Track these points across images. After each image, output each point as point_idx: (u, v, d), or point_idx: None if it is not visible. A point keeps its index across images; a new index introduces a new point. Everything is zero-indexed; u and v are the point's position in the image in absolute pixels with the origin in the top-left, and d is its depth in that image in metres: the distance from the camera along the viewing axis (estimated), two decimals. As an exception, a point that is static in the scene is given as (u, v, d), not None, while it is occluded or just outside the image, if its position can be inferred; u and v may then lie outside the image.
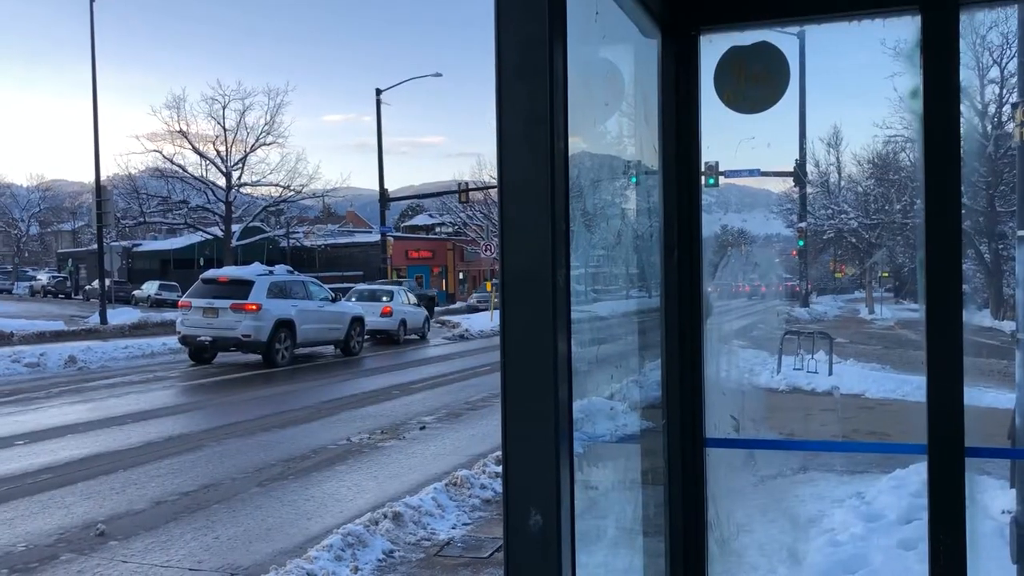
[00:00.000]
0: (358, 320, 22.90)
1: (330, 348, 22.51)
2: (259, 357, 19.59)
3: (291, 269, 22.61)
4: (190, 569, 6.03)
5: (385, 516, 6.70)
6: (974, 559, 2.17)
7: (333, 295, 22.58)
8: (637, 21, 2.16)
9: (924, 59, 2.15)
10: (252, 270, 20.71)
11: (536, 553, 1.43)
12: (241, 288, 19.33)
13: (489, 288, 46.62)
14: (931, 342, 2.16)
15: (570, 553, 1.46)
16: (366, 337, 24.08)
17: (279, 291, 20.02)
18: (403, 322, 27.11)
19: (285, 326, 19.69)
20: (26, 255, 78.11)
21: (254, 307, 18.99)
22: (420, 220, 75.62)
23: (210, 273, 20.95)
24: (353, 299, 26.05)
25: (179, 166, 49.19)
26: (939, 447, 2.14)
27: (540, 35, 1.40)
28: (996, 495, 5.20)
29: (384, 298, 27.39)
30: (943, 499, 2.14)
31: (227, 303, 19.00)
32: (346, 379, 17.89)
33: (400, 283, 36.64)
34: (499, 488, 7.76)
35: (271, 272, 20.67)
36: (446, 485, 7.75)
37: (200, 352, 19.71)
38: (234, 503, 7.75)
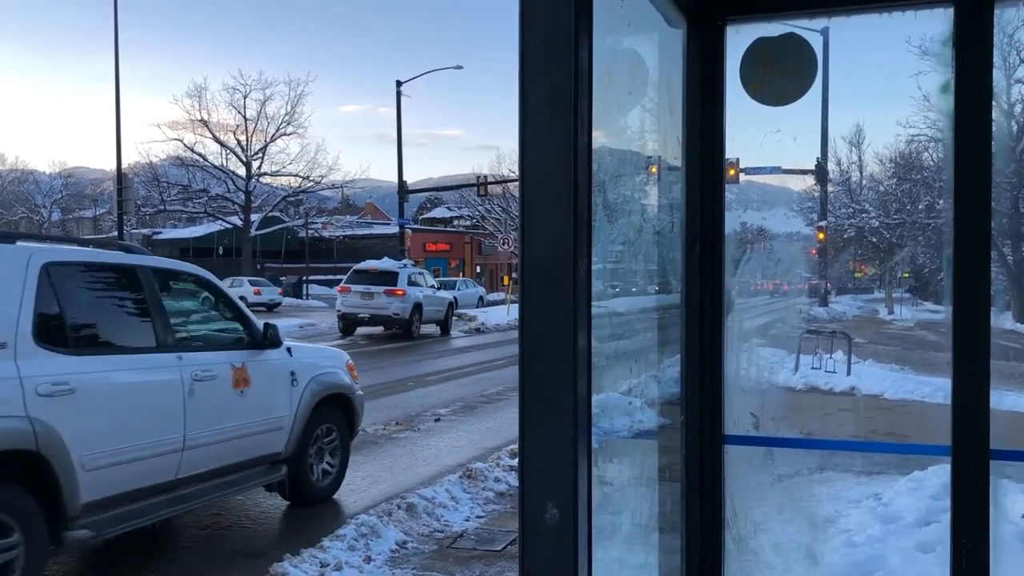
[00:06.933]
0: (451, 304, 27.83)
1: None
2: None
3: (415, 262, 28.14)
4: (204, 555, 6.05)
5: (399, 507, 6.71)
6: (996, 563, 2.13)
7: (438, 284, 27.85)
8: (663, 10, 2.13)
9: (956, 54, 2.10)
10: (392, 263, 25.95)
11: (552, 546, 1.41)
12: (388, 277, 24.54)
13: (507, 283, 46.58)
14: (957, 343, 2.12)
15: (587, 547, 1.44)
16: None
17: (411, 280, 25.16)
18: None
19: (418, 308, 24.93)
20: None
21: (401, 292, 24.29)
22: (438, 213, 75.60)
23: (362, 265, 26.31)
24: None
25: (199, 155, 49.54)
26: (964, 449, 2.11)
27: (566, 22, 1.37)
28: (1016, 499, 5.13)
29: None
30: (967, 501, 2.10)
31: (380, 288, 24.14)
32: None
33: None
34: (513, 481, 7.74)
35: (405, 265, 26.08)
36: (460, 477, 7.75)
37: (352, 326, 24.76)
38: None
